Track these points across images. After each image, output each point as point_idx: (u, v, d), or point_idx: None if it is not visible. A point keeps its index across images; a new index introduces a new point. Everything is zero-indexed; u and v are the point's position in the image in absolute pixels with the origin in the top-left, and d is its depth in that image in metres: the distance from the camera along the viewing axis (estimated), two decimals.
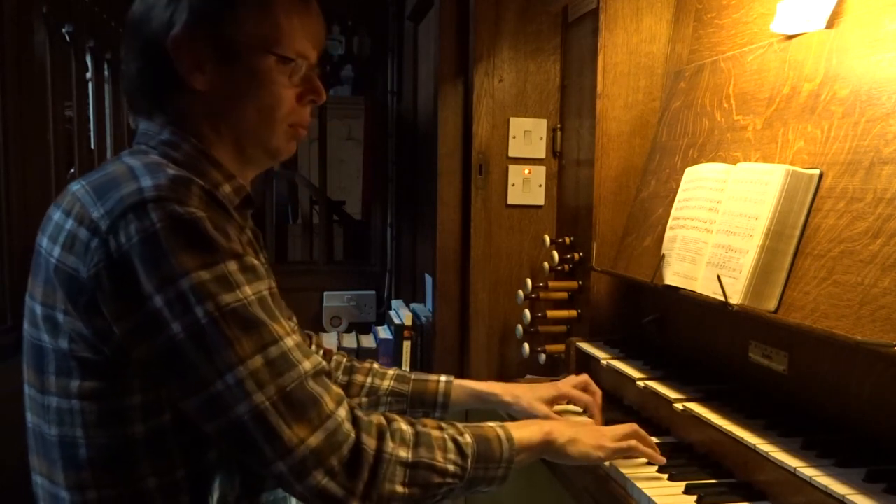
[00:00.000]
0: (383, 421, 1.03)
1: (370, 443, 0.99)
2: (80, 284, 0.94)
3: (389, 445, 1.01)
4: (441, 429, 1.09)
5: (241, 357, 0.92)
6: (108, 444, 0.98)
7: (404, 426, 1.05)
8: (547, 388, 1.49)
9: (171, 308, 0.91)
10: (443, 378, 1.50)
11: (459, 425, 1.12)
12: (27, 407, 1.05)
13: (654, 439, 1.33)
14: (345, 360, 1.51)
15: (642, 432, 1.28)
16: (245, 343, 0.93)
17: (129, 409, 0.97)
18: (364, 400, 1.47)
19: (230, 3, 1.04)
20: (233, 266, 0.94)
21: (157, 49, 1.03)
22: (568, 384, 1.51)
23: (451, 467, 1.06)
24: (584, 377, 1.54)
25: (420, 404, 1.47)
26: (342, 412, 0.98)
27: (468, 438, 1.09)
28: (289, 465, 0.94)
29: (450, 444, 1.07)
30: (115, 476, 0.99)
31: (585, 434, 1.23)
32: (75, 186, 1.01)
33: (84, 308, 0.94)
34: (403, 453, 1.02)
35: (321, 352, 1.47)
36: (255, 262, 0.99)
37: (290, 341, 0.97)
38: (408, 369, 2.81)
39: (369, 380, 1.48)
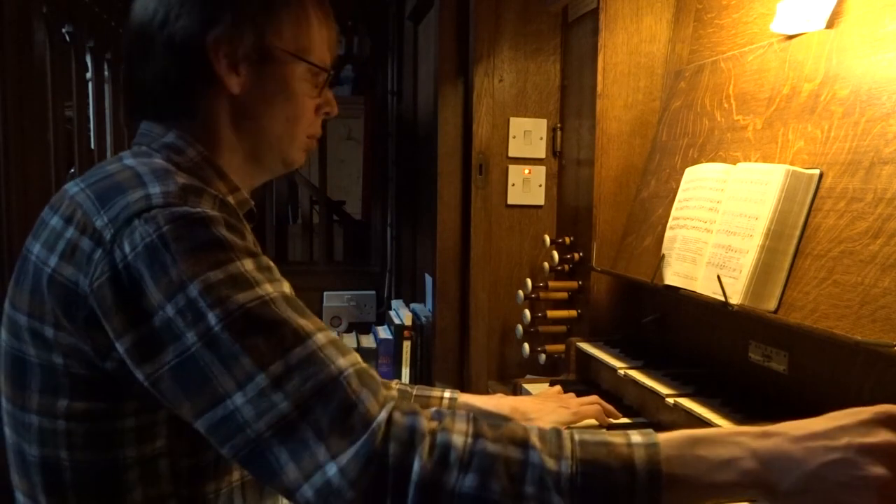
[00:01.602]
0: (423, 426, 0.80)
1: (418, 462, 0.77)
2: (78, 298, 0.86)
3: (440, 471, 0.77)
4: (524, 446, 0.78)
5: (262, 363, 0.80)
6: (95, 468, 0.91)
7: (457, 438, 0.78)
8: (562, 412, 1.38)
9: (184, 317, 0.81)
10: (447, 394, 1.41)
11: (567, 437, 0.80)
12: (6, 422, 0.97)
13: None
14: None
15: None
16: (264, 347, 0.81)
17: (121, 431, 0.91)
18: None
19: (272, 5, 1.02)
20: (249, 264, 0.86)
21: (190, 47, 0.98)
22: (578, 403, 1.43)
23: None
24: (595, 398, 1.46)
25: None
26: (383, 415, 0.80)
27: (569, 465, 0.77)
28: (316, 489, 0.78)
29: (529, 474, 0.77)
30: (104, 502, 0.92)
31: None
32: (73, 189, 0.94)
33: (83, 323, 0.86)
34: (457, 482, 0.76)
35: None
36: (272, 264, 0.91)
37: (321, 337, 0.84)
38: (408, 370, 2.83)
39: None
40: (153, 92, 1.02)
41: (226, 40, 0.99)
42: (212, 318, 0.81)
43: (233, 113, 1.03)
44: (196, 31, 0.98)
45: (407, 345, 2.83)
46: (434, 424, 0.80)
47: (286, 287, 0.89)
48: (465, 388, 2.33)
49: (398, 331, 2.90)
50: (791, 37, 1.42)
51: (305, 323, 0.85)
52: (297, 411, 0.79)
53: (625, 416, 1.55)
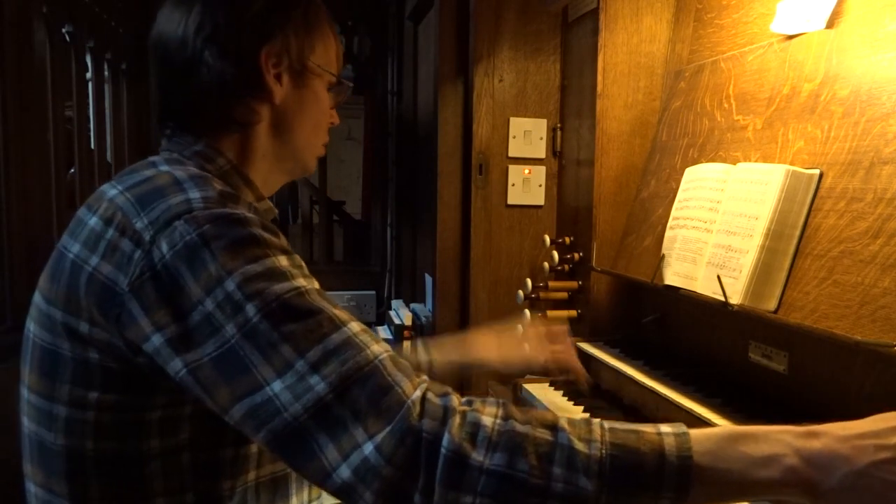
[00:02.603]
0: (453, 402, 0.82)
1: (448, 436, 0.78)
2: (115, 296, 0.89)
3: (468, 447, 0.78)
4: (553, 428, 0.79)
5: (300, 350, 0.83)
6: (119, 458, 0.95)
7: (484, 414, 0.80)
8: (532, 356, 1.52)
9: (223, 310, 0.85)
10: (424, 359, 1.50)
11: (596, 423, 0.81)
12: (24, 412, 1.00)
13: None
14: None
15: None
16: (301, 335, 0.84)
17: (148, 423, 0.94)
18: None
19: (309, 22, 1.11)
20: (284, 260, 0.90)
21: (243, 58, 1.05)
22: (543, 345, 1.53)
23: (557, 485, 0.76)
24: (557, 328, 1.55)
25: None
26: (417, 394, 0.82)
27: (597, 450, 0.77)
28: (354, 467, 0.79)
29: (558, 454, 0.77)
30: (124, 492, 0.95)
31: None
32: (112, 192, 0.98)
33: (115, 320, 0.90)
34: (485, 458, 0.77)
35: None
36: (304, 264, 0.95)
37: (355, 326, 0.87)
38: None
39: None
40: (196, 101, 1.06)
41: (276, 53, 1.07)
42: (250, 308, 0.84)
43: (271, 120, 1.11)
44: (252, 43, 1.05)
45: (407, 345, 2.83)
46: (465, 407, 0.82)
47: (316, 284, 0.92)
48: (465, 389, 2.33)
49: (398, 331, 2.90)
50: (791, 37, 1.42)
51: (340, 312, 0.88)
52: (335, 393, 0.81)
53: (625, 416, 1.55)
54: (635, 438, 0.78)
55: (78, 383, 0.94)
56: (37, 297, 1.00)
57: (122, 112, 3.11)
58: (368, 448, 0.78)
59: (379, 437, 0.78)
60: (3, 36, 2.06)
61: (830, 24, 1.33)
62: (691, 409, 1.35)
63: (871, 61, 1.22)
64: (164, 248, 0.88)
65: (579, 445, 0.77)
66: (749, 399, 1.35)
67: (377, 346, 0.86)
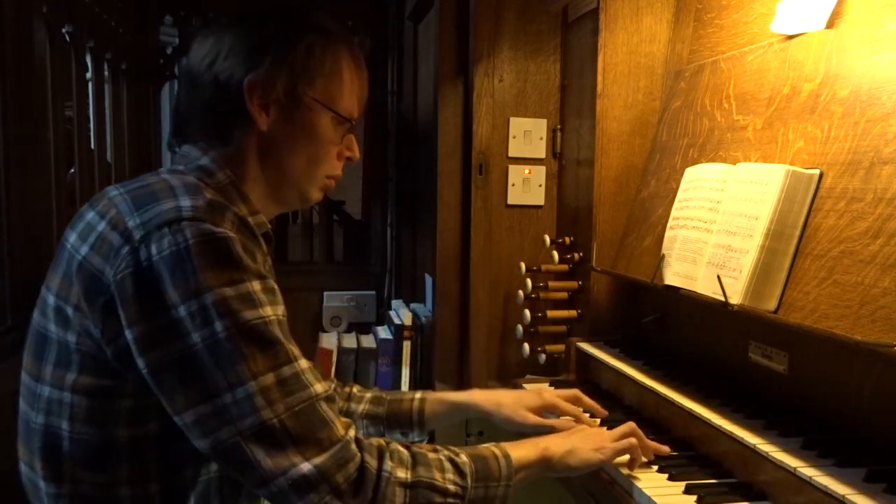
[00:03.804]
0: (382, 442, 1.06)
1: (372, 462, 1.02)
2: (101, 285, 0.97)
3: (388, 465, 1.03)
4: (436, 451, 1.11)
5: (254, 373, 0.95)
6: (90, 442, 1.00)
7: (401, 448, 1.07)
8: (531, 396, 1.45)
9: (193, 319, 0.94)
10: (417, 395, 1.47)
11: (454, 448, 1.14)
12: (21, 393, 1.08)
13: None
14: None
15: (639, 431, 1.28)
16: (259, 360, 0.96)
17: (118, 411, 1.00)
18: None
19: (308, 57, 1.13)
20: (257, 286, 0.99)
21: (230, 86, 1.10)
22: (554, 395, 1.48)
23: (451, 487, 1.07)
24: (575, 392, 1.50)
25: (397, 425, 1.45)
26: (351, 433, 1.02)
27: (465, 458, 1.11)
28: (291, 480, 0.95)
29: (447, 465, 1.09)
30: (92, 475, 1.01)
31: (582, 440, 1.24)
32: (113, 192, 1.06)
33: (100, 308, 0.97)
34: (402, 473, 1.03)
35: None
36: (276, 286, 1.04)
37: (303, 363, 1.01)
38: (408, 370, 2.83)
39: (345, 405, 1.45)
40: (196, 119, 1.14)
41: (260, 84, 1.10)
42: (219, 325, 0.94)
43: (259, 147, 1.14)
44: (237, 73, 1.10)
45: (407, 345, 2.82)
46: (382, 441, 1.07)
47: (281, 310, 1.03)
48: (464, 388, 2.33)
49: (398, 331, 2.89)
50: (791, 37, 1.42)
51: (293, 348, 1.01)
52: (277, 419, 0.95)
53: (625, 416, 1.54)
54: (478, 451, 1.15)
55: (59, 365, 1.02)
56: (43, 287, 1.08)
57: (122, 112, 3.11)
58: (307, 467, 0.96)
59: (318, 461, 0.96)
60: (3, 36, 2.06)
61: (830, 24, 1.33)
62: (691, 409, 1.35)
63: (871, 61, 1.22)
64: (153, 250, 0.95)
65: (456, 459, 1.10)
66: (749, 399, 1.35)
67: (319, 385, 1.01)
